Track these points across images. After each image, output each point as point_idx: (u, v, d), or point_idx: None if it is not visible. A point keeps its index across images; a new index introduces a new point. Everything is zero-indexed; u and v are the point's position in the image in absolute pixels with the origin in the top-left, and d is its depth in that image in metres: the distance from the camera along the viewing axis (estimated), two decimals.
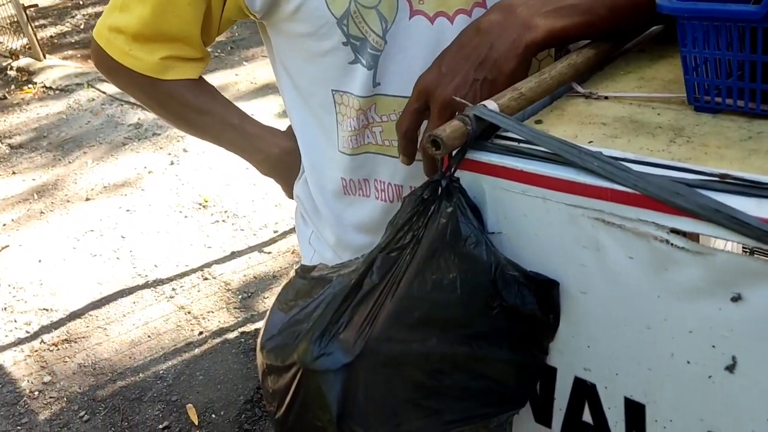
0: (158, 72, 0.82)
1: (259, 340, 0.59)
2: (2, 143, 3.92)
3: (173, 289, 2.55)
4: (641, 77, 0.65)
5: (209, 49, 0.86)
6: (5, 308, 2.55)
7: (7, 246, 2.93)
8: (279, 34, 0.80)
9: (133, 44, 0.80)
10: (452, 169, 0.55)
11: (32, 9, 5.82)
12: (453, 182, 0.55)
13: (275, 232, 2.83)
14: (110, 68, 0.83)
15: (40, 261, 2.81)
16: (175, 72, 0.82)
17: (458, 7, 0.73)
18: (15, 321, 2.48)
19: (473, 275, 0.52)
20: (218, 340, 2.26)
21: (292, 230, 2.81)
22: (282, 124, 0.91)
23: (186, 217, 3.02)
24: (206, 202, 3.09)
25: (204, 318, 2.38)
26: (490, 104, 0.56)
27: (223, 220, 2.95)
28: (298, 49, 0.78)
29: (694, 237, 0.47)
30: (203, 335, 2.29)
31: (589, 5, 0.63)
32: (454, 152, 0.55)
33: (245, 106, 3.75)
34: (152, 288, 2.57)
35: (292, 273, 0.60)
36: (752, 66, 0.51)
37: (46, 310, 2.52)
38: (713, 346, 0.46)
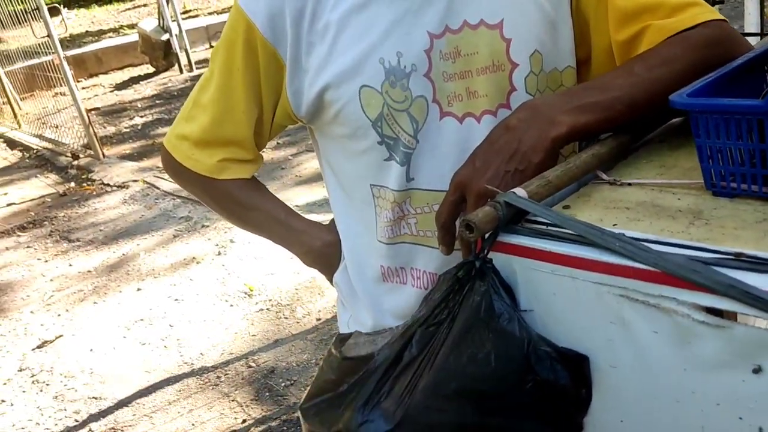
0: (215, 172, 0.91)
1: (301, 404, 0.63)
2: (61, 237, 4.13)
3: (218, 377, 2.59)
4: (662, 165, 0.70)
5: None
6: (56, 397, 2.62)
7: (61, 335, 3.04)
8: (323, 136, 0.89)
9: (195, 149, 0.90)
10: (485, 251, 0.60)
11: (94, 112, 6.28)
12: (486, 263, 0.59)
13: (318, 320, 2.87)
14: (176, 170, 0.93)
15: (91, 350, 2.89)
16: (230, 172, 0.92)
17: (484, 108, 0.81)
18: (65, 410, 2.53)
19: (507, 350, 0.55)
20: (261, 428, 2.26)
21: (334, 318, 2.84)
22: (323, 213, 0.98)
23: (231, 305, 3.09)
24: (251, 290, 3.16)
25: (247, 406, 2.39)
26: (520, 191, 0.62)
27: (268, 309, 3.01)
28: (340, 148, 0.87)
29: (718, 312, 0.50)
30: (246, 423, 2.29)
31: (609, 102, 0.69)
32: (486, 235, 0.60)
33: (291, 196, 3.90)
34: (197, 376, 2.61)
35: (332, 349, 0.64)
36: (762, 154, 0.56)
37: (95, 398, 2.57)
38: (740, 418, 0.48)
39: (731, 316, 0.48)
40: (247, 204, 0.94)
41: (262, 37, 0.82)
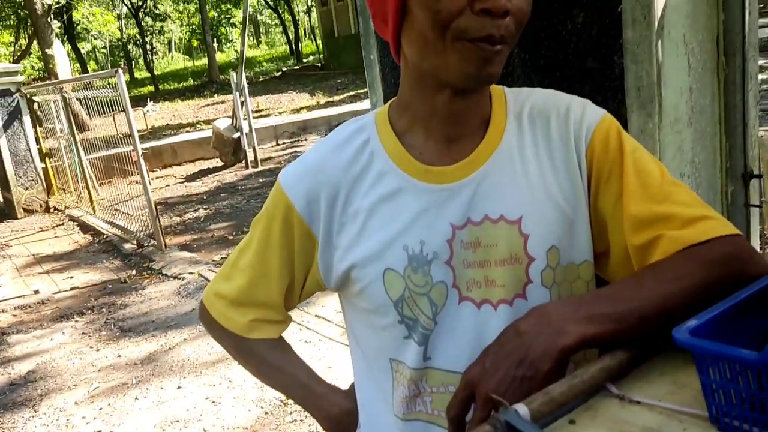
0: (246, 331, 0.96)
1: None
2: (115, 325, 4.27)
3: None
4: (674, 381, 0.70)
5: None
6: None
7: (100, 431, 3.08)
8: (349, 306, 0.93)
9: (230, 308, 0.96)
10: None
11: (162, 205, 6.62)
12: None
13: None
14: (210, 324, 0.99)
15: None
16: (259, 332, 0.97)
17: (501, 297, 0.83)
18: None
19: None
20: None
21: None
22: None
23: (266, 413, 3.08)
24: (287, 398, 3.16)
25: None
26: (522, 409, 0.63)
27: (301, 420, 2.99)
28: (364, 319, 0.90)
29: None
30: None
31: (619, 315, 0.70)
32: None
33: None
34: None
35: None
36: (762, 401, 0.56)
37: None
38: None
39: None
40: (272, 364, 0.99)
41: (299, 216, 0.88)
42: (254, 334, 0.97)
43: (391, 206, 0.85)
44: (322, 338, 3.55)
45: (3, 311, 4.79)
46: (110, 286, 5.09)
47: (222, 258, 5.37)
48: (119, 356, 3.81)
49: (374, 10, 0.82)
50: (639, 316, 0.71)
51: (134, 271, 5.33)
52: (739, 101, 1.36)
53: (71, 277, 5.44)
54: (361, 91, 14.02)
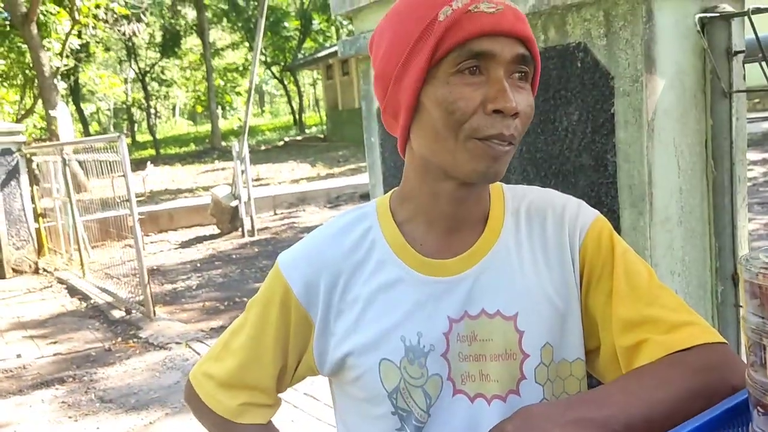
0: (234, 416, 0.94)
1: None
2: (96, 396, 4.15)
3: None
4: None
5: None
6: None
7: None
8: (342, 394, 0.92)
9: (219, 389, 0.94)
10: None
11: (154, 271, 6.58)
12: None
13: None
14: (196, 406, 0.97)
15: None
16: (248, 417, 0.95)
17: (495, 393, 0.83)
18: None
19: None
20: None
21: None
22: None
23: None
24: None
25: None
26: None
27: None
28: (356, 409, 0.90)
29: None
30: None
31: (604, 420, 0.70)
32: None
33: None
34: None
35: None
36: None
37: None
38: None
39: None
40: None
41: (296, 300, 0.89)
42: (243, 418, 0.94)
43: (390, 296, 0.86)
44: (310, 418, 3.46)
45: None
46: (94, 353, 4.98)
47: (211, 328, 5.29)
48: (98, 428, 3.69)
49: (385, 105, 0.85)
50: (624, 421, 0.71)
51: (120, 339, 5.23)
52: (727, 203, 1.39)
53: (55, 342, 5.32)
54: (362, 164, 14.23)
